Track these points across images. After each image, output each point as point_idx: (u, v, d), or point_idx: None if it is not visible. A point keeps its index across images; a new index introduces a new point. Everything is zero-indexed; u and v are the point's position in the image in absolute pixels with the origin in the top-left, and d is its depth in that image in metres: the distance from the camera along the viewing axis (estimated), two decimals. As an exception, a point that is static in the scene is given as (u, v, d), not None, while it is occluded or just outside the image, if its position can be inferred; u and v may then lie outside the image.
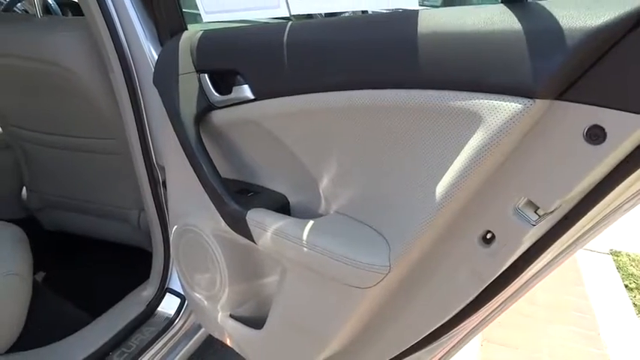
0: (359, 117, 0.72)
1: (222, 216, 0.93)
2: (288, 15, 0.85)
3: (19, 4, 2.51)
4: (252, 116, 0.89)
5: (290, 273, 0.88)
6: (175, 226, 1.11)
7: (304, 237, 0.79)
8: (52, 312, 1.45)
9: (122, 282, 1.50)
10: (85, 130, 1.51)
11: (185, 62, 0.97)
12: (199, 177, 0.95)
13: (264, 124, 0.88)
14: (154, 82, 1.03)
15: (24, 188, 1.80)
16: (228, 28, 0.99)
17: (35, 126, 1.58)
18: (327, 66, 0.73)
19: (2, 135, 1.69)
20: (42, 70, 1.36)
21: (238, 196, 0.94)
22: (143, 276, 1.48)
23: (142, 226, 1.60)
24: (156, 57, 1.15)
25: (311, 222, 0.81)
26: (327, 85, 0.74)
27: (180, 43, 0.99)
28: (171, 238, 1.18)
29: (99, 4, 1.15)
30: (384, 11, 0.79)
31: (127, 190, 1.58)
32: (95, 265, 1.75)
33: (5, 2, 2.48)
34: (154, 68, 1.04)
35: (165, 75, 0.99)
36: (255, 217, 0.87)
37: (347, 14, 0.91)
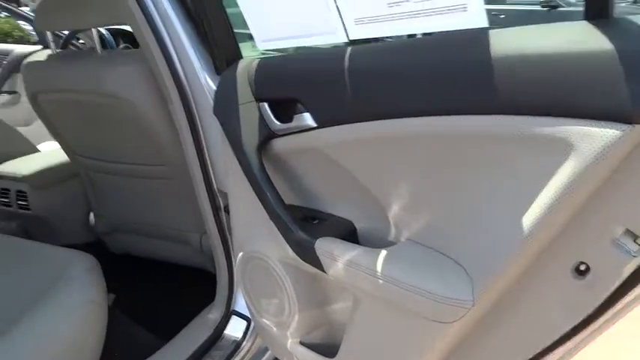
0: (433, 144, 0.70)
1: (289, 244, 0.92)
2: (346, 41, 0.83)
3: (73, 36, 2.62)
4: (314, 144, 0.88)
5: (364, 303, 0.86)
6: (241, 253, 1.12)
7: (378, 268, 0.77)
8: (124, 336, 1.49)
9: (187, 303, 1.53)
10: (143, 158, 1.55)
11: (244, 92, 0.97)
12: (264, 205, 0.94)
13: (328, 151, 0.87)
14: (214, 113, 1.04)
15: (91, 213, 1.87)
16: (285, 55, 0.98)
17: (98, 155, 1.64)
18: (395, 92, 0.71)
19: (70, 164, 1.76)
20: (103, 102, 1.40)
21: (304, 224, 0.93)
22: (207, 297, 1.50)
23: (204, 249, 1.62)
24: (212, 85, 1.16)
25: (384, 252, 0.79)
26: (396, 112, 0.72)
27: (237, 72, 0.99)
28: (236, 264, 1.19)
29: (154, 36, 1.18)
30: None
31: (187, 214, 1.61)
32: (160, 287, 1.79)
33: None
34: (214, 99, 1.05)
35: (225, 105, 1.00)
36: (324, 246, 0.85)
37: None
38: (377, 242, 0.88)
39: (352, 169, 0.85)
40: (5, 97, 2.95)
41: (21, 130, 2.15)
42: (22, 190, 1.77)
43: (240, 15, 1.01)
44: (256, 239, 1.05)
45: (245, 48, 1.13)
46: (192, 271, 1.75)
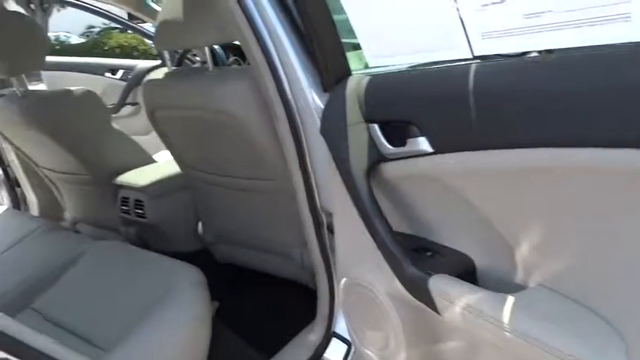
0: (581, 178, 0.59)
1: (399, 279, 0.85)
2: (470, 57, 0.74)
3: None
4: (430, 171, 0.80)
5: (484, 354, 0.77)
6: (345, 279, 1.07)
7: (505, 317, 0.67)
8: (225, 348, 1.51)
9: (288, 317, 1.51)
10: (250, 173, 1.56)
11: (353, 112, 0.91)
12: (372, 233, 0.88)
13: (446, 179, 0.78)
14: (321, 132, 1.00)
15: (200, 223, 1.94)
16: (398, 72, 0.91)
17: (207, 168, 1.69)
18: (534, 118, 0.61)
19: (182, 176, 1.84)
20: (213, 118, 1.43)
21: (416, 256, 0.85)
22: (308, 312, 1.47)
23: (305, 265, 1.60)
24: (319, 103, 1.12)
25: (511, 298, 0.69)
26: (534, 141, 0.62)
27: (346, 91, 0.94)
28: (339, 288, 1.14)
29: (262, 53, 1.17)
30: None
31: (288, 229, 1.59)
32: (262, 298, 1.80)
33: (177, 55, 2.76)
34: (321, 118, 1.01)
35: (333, 125, 0.95)
36: (440, 285, 0.77)
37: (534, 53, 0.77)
38: (500, 284, 0.77)
39: (474, 200, 0.76)
40: (129, 109, 3.20)
41: (140, 138, 2.30)
42: (139, 200, 1.88)
43: (344, 22, 0.96)
44: (362, 266, 0.99)
45: (350, 58, 1.08)
46: (293, 284, 1.73)
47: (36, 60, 1.81)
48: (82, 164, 1.92)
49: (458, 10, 0.71)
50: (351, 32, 0.96)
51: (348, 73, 1.01)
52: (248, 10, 1.15)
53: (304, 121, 1.19)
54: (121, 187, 1.94)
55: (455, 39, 0.74)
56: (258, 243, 1.76)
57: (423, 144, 0.79)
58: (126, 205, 1.93)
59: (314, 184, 1.26)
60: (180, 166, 1.79)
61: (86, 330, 1.27)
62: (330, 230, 1.30)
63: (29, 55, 1.79)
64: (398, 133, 0.85)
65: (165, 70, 1.56)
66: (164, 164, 1.98)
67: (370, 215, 0.86)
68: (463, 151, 0.72)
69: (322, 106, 1.11)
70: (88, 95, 1.87)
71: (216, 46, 2.56)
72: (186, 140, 1.66)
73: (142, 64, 3.30)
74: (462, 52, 0.75)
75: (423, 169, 0.80)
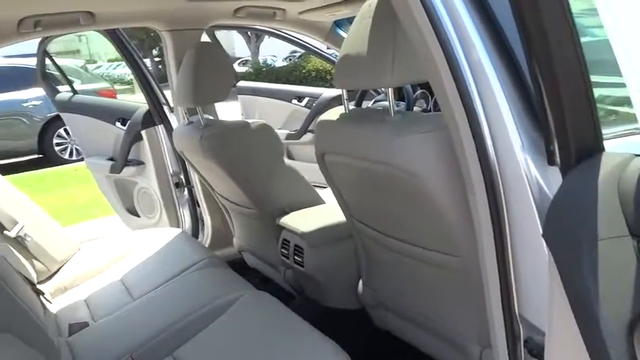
0: None
1: None
2: None
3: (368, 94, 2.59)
4: None
5: None
6: None
7: None
8: None
9: None
10: (425, 241, 1.27)
11: (610, 216, 0.56)
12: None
13: None
14: (544, 235, 0.66)
15: (360, 281, 1.71)
16: None
17: (375, 224, 1.45)
18: None
19: (347, 224, 1.63)
20: (388, 173, 1.18)
21: None
22: None
23: (486, 370, 1.24)
24: (538, 179, 0.79)
25: None
26: None
27: (599, 178, 0.59)
28: None
29: (461, 99, 0.87)
30: None
31: (468, 319, 1.26)
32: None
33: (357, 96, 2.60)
34: (547, 212, 0.67)
35: (568, 229, 0.61)
36: None
37: None
38: None
39: None
40: (310, 136, 3.17)
41: (312, 165, 2.19)
42: (299, 246, 1.73)
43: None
44: None
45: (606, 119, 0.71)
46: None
47: (222, 92, 1.80)
48: (250, 198, 1.85)
49: None
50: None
51: (599, 147, 0.65)
52: (449, 47, 0.87)
53: (510, 198, 0.86)
54: (284, 228, 1.81)
55: None
56: (426, 322, 1.45)
57: None
58: (285, 249, 1.80)
59: (513, 284, 0.92)
60: (345, 214, 1.58)
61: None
62: (530, 351, 0.94)
63: (217, 86, 1.79)
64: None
65: (341, 110, 1.35)
66: (330, 208, 1.80)
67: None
68: None
69: (541, 182, 0.78)
70: (265, 129, 1.80)
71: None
72: (355, 191, 1.44)
73: (327, 92, 3.26)
74: None
75: None
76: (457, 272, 1.23)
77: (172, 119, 2.48)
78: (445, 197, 1.08)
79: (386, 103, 1.42)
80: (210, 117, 2.05)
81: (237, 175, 1.78)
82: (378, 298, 1.63)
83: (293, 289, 1.93)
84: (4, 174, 2.18)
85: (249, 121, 1.81)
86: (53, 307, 1.77)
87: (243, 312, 1.43)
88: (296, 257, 1.74)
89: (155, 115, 2.48)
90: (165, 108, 2.49)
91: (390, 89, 1.20)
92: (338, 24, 2.57)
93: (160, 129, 2.49)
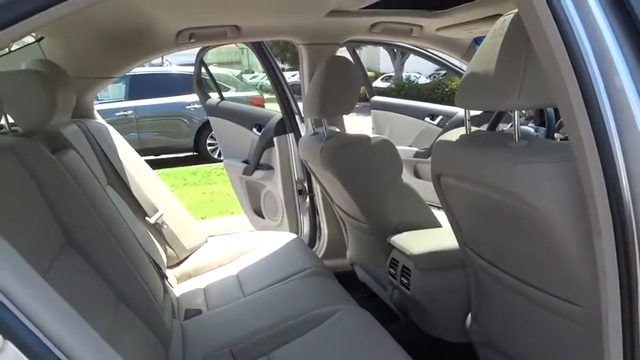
0: None
1: None
2: None
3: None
4: None
5: None
6: None
7: None
8: None
9: None
10: (545, 283, 1.13)
11: None
12: None
13: None
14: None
15: (470, 315, 1.59)
16: None
17: (489, 256, 1.33)
18: None
19: (460, 252, 1.53)
20: (507, 203, 1.08)
21: None
22: None
23: None
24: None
25: None
26: None
27: None
28: None
29: (592, 128, 0.77)
30: None
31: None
32: None
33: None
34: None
35: None
36: None
37: None
38: None
39: None
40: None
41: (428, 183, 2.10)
42: (407, 267, 1.66)
43: None
44: None
45: None
46: None
47: (347, 105, 1.83)
48: (364, 213, 1.84)
49: None
50: None
51: None
52: (584, 72, 0.77)
53: None
54: (394, 247, 1.76)
55: None
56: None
57: None
58: (393, 268, 1.75)
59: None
60: (458, 241, 1.49)
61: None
62: None
63: (342, 100, 1.82)
64: None
65: (461, 131, 1.28)
66: (445, 233, 1.71)
67: None
68: None
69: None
70: (384, 144, 1.78)
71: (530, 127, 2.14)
72: (470, 218, 1.35)
73: (462, 112, 3.12)
74: None
75: None
76: (579, 324, 1.07)
77: (302, 129, 2.58)
78: (571, 239, 0.95)
79: (525, 127, 1.31)
80: (336, 129, 2.09)
81: (352, 188, 1.78)
82: (487, 336, 1.50)
83: (399, 310, 1.87)
84: (163, 167, 2.47)
85: (371, 135, 1.80)
86: (176, 291, 1.94)
87: (339, 326, 1.42)
88: (403, 279, 1.68)
89: (287, 124, 2.60)
90: (297, 118, 2.60)
91: (516, 112, 1.09)
92: (478, 41, 2.45)
93: (290, 137, 2.60)
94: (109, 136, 2.11)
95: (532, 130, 2.09)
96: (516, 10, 1.04)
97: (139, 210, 2.10)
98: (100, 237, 1.30)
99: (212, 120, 3.14)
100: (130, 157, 2.18)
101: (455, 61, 2.84)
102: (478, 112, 3.00)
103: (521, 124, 2.32)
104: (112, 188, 1.96)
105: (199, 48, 2.89)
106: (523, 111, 2.65)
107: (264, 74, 3.38)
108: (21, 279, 0.62)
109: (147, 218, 2.11)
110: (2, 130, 1.35)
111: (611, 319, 0.81)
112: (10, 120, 1.42)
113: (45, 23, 0.69)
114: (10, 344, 0.58)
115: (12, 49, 1.88)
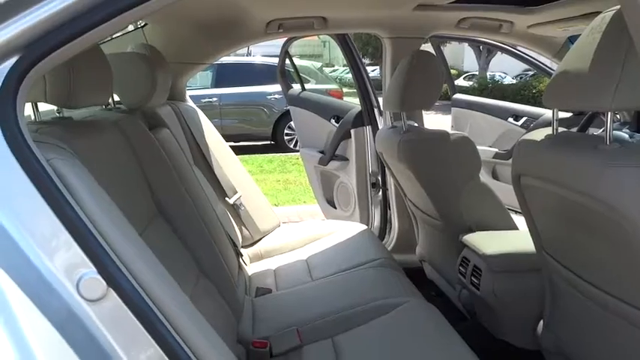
0: None
1: None
2: None
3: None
4: None
5: None
6: None
7: None
8: None
9: None
10: (624, 292, 1.07)
11: None
12: None
13: None
14: None
15: (542, 321, 1.53)
16: None
17: (568, 263, 1.28)
18: None
19: (535, 256, 1.48)
20: (591, 208, 1.04)
21: None
22: None
23: None
24: None
25: None
26: None
27: None
28: None
29: None
30: None
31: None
32: None
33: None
34: None
35: None
36: None
37: None
38: None
39: None
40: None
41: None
42: (478, 267, 1.63)
43: None
44: None
45: None
46: None
47: (427, 100, 1.82)
48: (437, 209, 1.82)
49: None
50: None
51: None
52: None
53: None
54: (466, 246, 1.73)
55: None
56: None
57: None
58: (464, 267, 1.72)
59: None
60: (535, 245, 1.44)
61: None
62: None
63: (423, 95, 1.81)
64: None
65: (547, 131, 1.24)
66: (521, 236, 1.66)
67: None
68: None
69: None
70: (464, 142, 1.75)
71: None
72: (549, 221, 1.30)
73: (549, 114, 2.97)
74: None
75: None
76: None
77: (380, 122, 2.59)
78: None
79: (618, 132, 1.24)
80: (415, 124, 2.08)
81: (428, 182, 1.78)
82: (559, 344, 1.45)
83: (466, 311, 1.84)
84: (241, 153, 2.59)
85: (450, 132, 1.78)
86: (249, 270, 2.04)
87: (406, 317, 1.43)
88: (473, 278, 1.65)
89: (365, 117, 2.62)
90: (376, 111, 2.61)
91: (609, 114, 1.04)
92: (572, 40, 2.32)
93: (368, 130, 2.62)
94: (198, 119, 2.24)
95: (626, 135, 1.96)
96: (617, 8, 0.99)
97: (220, 190, 2.22)
98: (187, 211, 1.40)
99: (292, 109, 3.23)
100: (215, 140, 2.31)
101: (545, 60, 2.72)
102: (567, 115, 2.86)
103: (615, 130, 2.20)
104: (197, 168, 2.09)
105: (284, 39, 2.98)
106: (618, 115, 2.48)
107: (344, 68, 3.41)
108: (121, 233, 0.69)
109: (226, 199, 2.23)
110: (108, 107, 1.49)
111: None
112: (116, 98, 1.57)
113: (149, 13, 0.76)
114: (113, 293, 0.65)
115: (119, 34, 2.05)
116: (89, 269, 0.63)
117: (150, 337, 0.65)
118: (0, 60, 0.62)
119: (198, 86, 8.18)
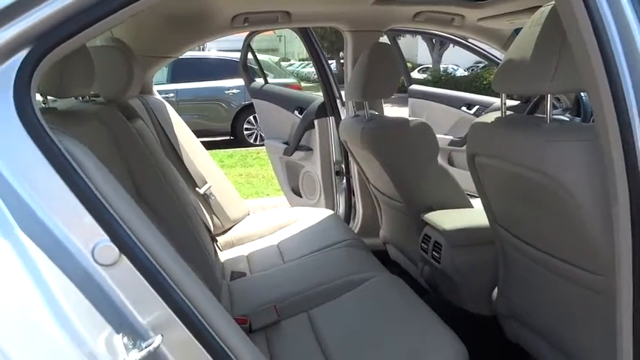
0: None
1: None
2: None
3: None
4: None
5: None
6: None
7: None
8: None
9: None
10: (567, 254, 1.23)
11: None
12: None
13: None
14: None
15: (496, 288, 1.69)
16: None
17: (517, 232, 1.43)
18: None
19: (489, 230, 1.63)
20: (533, 179, 1.18)
21: None
22: None
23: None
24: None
25: None
26: None
27: None
28: None
29: (615, 107, 0.87)
30: None
31: (600, 339, 1.18)
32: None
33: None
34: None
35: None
36: None
37: None
38: None
39: None
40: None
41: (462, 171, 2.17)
42: (438, 242, 1.77)
43: None
44: None
45: None
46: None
47: (388, 89, 1.94)
48: (400, 192, 1.95)
49: None
50: None
51: None
52: (608, 55, 0.87)
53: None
54: (427, 223, 1.87)
55: None
56: (557, 340, 1.39)
57: None
58: (425, 244, 1.86)
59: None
60: (489, 219, 1.59)
61: (335, 356, 1.27)
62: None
63: (384, 84, 1.93)
64: None
65: (497, 114, 1.38)
66: (477, 212, 1.81)
67: None
68: None
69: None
70: (422, 127, 1.88)
71: (583, 95, 2.20)
72: (500, 194, 1.45)
73: (499, 102, 3.17)
74: None
75: None
76: (599, 293, 1.17)
77: (343, 113, 2.70)
78: (592, 210, 1.05)
79: (560, 117, 1.39)
80: (376, 112, 2.20)
81: (391, 167, 1.90)
82: (512, 309, 1.60)
83: (428, 286, 1.98)
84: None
85: (410, 118, 1.91)
86: (222, 256, 2.11)
87: (374, 290, 1.55)
88: (434, 253, 1.79)
89: (328, 108, 2.73)
90: (338, 102, 2.72)
91: (549, 96, 1.19)
92: (518, 32, 2.50)
93: (331, 120, 2.73)
94: (165, 111, 2.28)
95: (567, 119, 2.15)
96: (554, 2, 1.13)
97: (190, 180, 2.27)
98: (165, 197, 1.46)
99: (256, 102, 3.29)
100: (183, 132, 2.35)
101: (495, 52, 2.90)
102: (516, 103, 3.06)
103: (558, 115, 2.39)
104: (167, 159, 2.14)
105: (242, 34, 3.04)
106: (560, 102, 2.70)
107: (300, 62, 3.50)
108: (129, 206, 0.76)
109: (197, 189, 2.28)
110: (84, 99, 1.52)
111: (624, 280, 0.91)
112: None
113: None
114: (125, 258, 0.72)
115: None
116: (103, 237, 0.71)
117: (159, 297, 0.73)
118: (14, 52, 0.68)
119: (154, 82, 8.04)
